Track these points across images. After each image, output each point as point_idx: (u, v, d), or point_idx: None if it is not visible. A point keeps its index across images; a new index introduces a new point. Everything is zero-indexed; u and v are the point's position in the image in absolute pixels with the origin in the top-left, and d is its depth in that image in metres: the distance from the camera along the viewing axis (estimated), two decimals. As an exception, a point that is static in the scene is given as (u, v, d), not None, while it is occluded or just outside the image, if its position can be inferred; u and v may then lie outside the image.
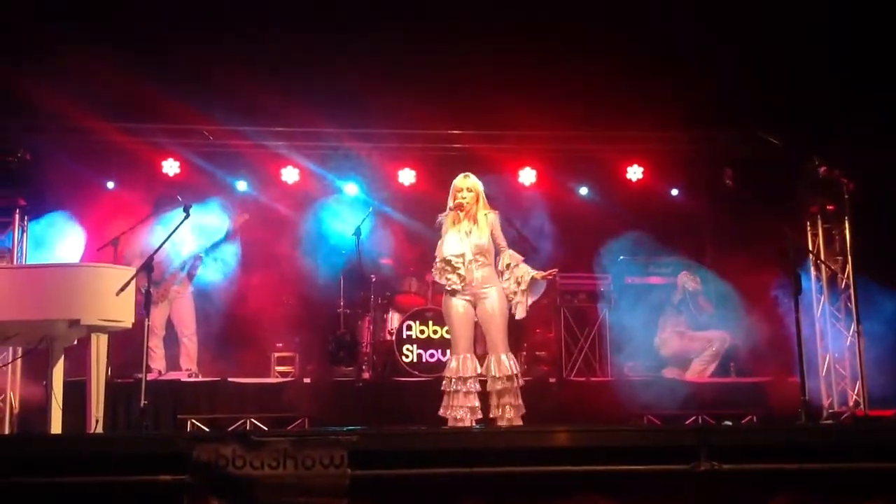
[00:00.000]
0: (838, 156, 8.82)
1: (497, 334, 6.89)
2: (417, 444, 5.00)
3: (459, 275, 6.82)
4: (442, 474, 4.73)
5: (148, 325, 6.95)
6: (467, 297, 6.90)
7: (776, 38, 8.76)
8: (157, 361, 9.10)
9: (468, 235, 6.89)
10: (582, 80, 9.12)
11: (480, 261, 6.88)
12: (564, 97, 9.41)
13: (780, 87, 9.15)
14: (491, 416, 6.83)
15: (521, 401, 6.86)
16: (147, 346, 7.02)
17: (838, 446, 4.94)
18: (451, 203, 6.99)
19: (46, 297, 6.44)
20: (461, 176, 7.05)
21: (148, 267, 6.82)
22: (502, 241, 7.03)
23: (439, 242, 6.99)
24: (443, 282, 6.90)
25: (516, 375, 6.86)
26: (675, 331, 9.78)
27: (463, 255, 6.82)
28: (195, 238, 9.51)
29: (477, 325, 7.02)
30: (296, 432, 6.95)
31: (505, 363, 6.82)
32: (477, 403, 6.83)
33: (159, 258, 7.66)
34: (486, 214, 6.97)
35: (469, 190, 6.96)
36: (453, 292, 6.90)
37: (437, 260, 6.93)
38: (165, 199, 9.27)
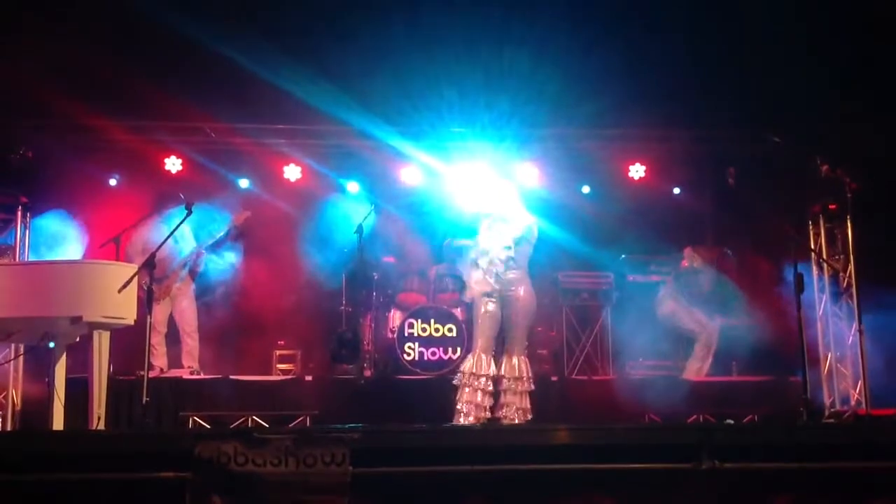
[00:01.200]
0: (840, 155, 8.80)
1: (517, 336, 7.01)
2: (419, 441, 5.01)
3: (490, 281, 6.91)
4: (443, 472, 4.73)
5: (150, 323, 6.96)
6: (496, 298, 6.97)
7: (779, 36, 8.74)
8: (158, 359, 9.10)
9: (502, 238, 6.96)
10: (583, 77, 9.11)
11: (511, 264, 6.96)
12: (567, 94, 9.39)
13: (782, 85, 9.13)
14: (497, 414, 6.89)
15: (528, 404, 6.93)
16: (149, 344, 7.02)
17: (840, 446, 4.94)
18: (486, 204, 7.05)
19: (49, 294, 6.44)
20: (496, 177, 7.13)
21: (150, 264, 6.83)
22: (529, 250, 7.11)
23: (474, 247, 7.08)
24: (474, 285, 6.99)
25: (527, 379, 6.93)
26: (671, 295, 9.73)
27: (498, 262, 6.91)
28: (197, 235, 9.52)
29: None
30: (298, 430, 6.97)
31: (518, 365, 6.91)
32: (487, 402, 6.89)
33: (161, 255, 7.68)
34: (521, 219, 7.03)
35: (506, 192, 7.03)
36: (485, 292, 6.99)
37: (473, 266, 7.02)
38: (167, 196, 9.28)
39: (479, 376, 6.87)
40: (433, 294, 9.99)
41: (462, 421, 6.87)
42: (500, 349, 7.27)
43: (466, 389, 6.90)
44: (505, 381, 6.89)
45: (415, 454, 4.79)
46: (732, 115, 9.87)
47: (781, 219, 7.53)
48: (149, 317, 6.91)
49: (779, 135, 9.90)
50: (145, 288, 7.03)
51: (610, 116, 9.85)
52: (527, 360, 7.10)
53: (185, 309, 9.40)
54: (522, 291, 7.02)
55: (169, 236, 7.37)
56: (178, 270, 9.31)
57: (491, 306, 6.99)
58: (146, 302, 6.92)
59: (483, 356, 6.94)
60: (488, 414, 6.90)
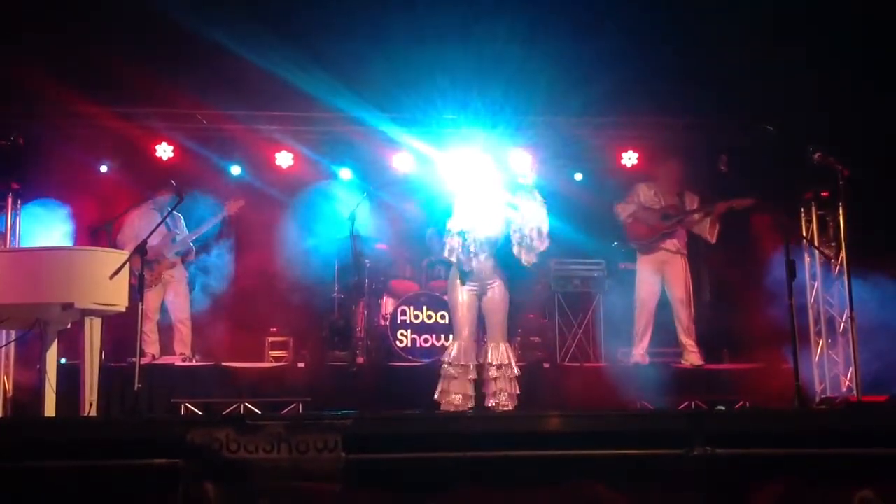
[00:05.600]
0: (833, 142, 8.81)
1: (498, 324, 6.98)
2: (412, 428, 5.00)
3: (469, 251, 6.80)
4: (436, 458, 4.73)
5: (142, 309, 6.95)
6: (474, 286, 6.94)
7: (772, 24, 8.74)
8: (150, 346, 9.10)
9: (483, 218, 6.90)
10: (576, 64, 9.10)
11: (488, 250, 6.91)
12: (560, 82, 9.39)
13: (774, 73, 9.13)
14: (486, 403, 6.88)
15: (516, 389, 6.92)
16: (141, 330, 7.01)
17: (831, 432, 4.95)
18: (473, 183, 7.00)
19: (40, 281, 6.42)
20: (480, 156, 7.08)
21: (142, 251, 6.82)
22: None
23: (451, 218, 6.98)
24: (446, 254, 6.89)
25: (512, 364, 6.92)
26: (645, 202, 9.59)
27: (475, 233, 6.84)
28: (189, 223, 9.50)
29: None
30: (290, 416, 6.96)
31: (503, 352, 6.90)
32: (473, 391, 6.88)
33: (153, 242, 7.65)
34: (506, 202, 6.98)
35: (488, 173, 6.99)
36: (461, 280, 6.91)
37: (450, 233, 6.92)
38: (159, 183, 9.26)
39: (465, 366, 6.86)
40: (425, 281, 10.00)
41: (451, 409, 6.86)
42: (482, 337, 7.26)
43: (455, 380, 6.87)
44: (494, 368, 6.88)
45: (408, 441, 4.79)
46: (725, 103, 9.87)
47: (773, 206, 7.52)
48: (140, 303, 6.90)
49: (771, 122, 9.90)
50: (137, 274, 7.01)
51: (603, 104, 9.84)
52: (509, 345, 7.10)
53: (178, 296, 9.40)
54: (499, 279, 6.98)
55: (160, 223, 7.36)
56: (170, 257, 9.30)
57: (470, 295, 6.95)
58: (138, 288, 6.91)
59: (468, 344, 6.92)
60: (472, 402, 6.89)
